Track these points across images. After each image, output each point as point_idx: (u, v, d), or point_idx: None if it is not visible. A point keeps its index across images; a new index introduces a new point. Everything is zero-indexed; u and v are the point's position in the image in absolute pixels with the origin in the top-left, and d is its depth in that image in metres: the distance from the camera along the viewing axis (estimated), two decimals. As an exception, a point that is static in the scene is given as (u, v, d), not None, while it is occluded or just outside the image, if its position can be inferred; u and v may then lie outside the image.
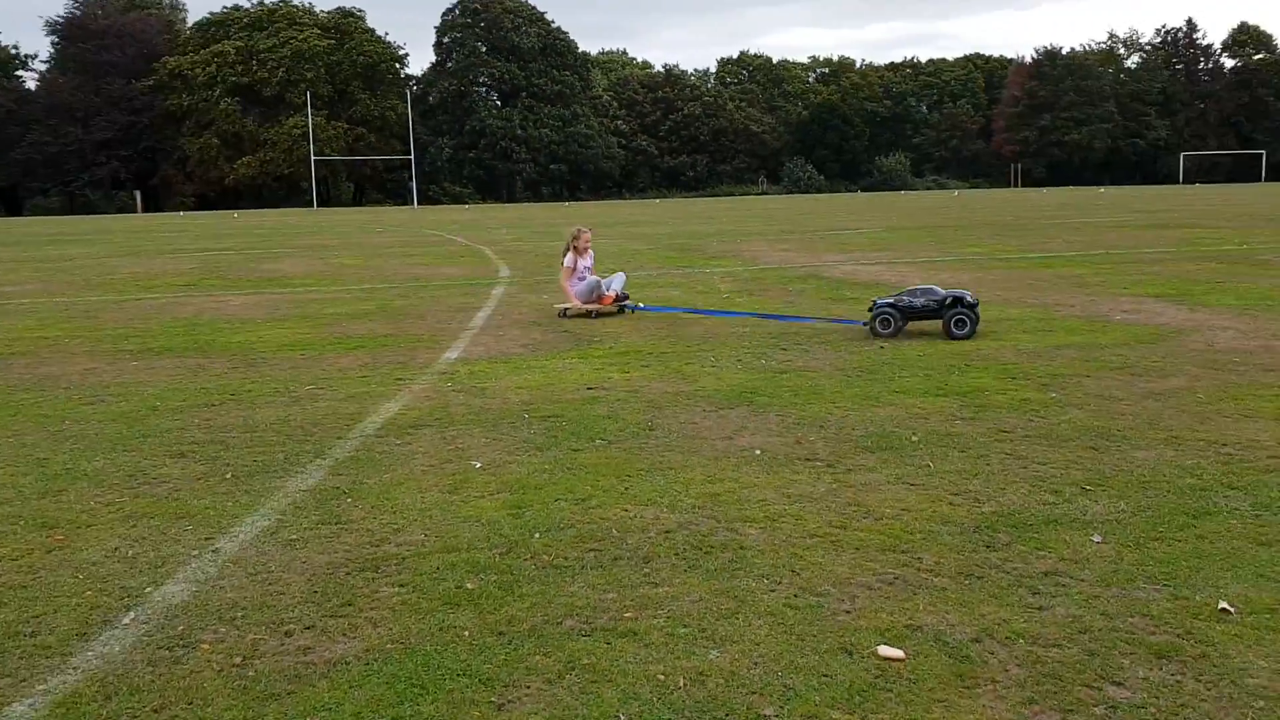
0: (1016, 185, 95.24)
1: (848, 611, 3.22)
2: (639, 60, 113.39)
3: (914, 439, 5.23)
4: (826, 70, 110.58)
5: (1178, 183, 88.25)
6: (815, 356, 7.75)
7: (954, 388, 6.44)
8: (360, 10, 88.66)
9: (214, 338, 9.55)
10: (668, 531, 3.98)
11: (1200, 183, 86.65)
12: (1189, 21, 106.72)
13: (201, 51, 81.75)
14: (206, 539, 4.04)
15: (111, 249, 26.17)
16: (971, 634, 3.03)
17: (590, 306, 10.35)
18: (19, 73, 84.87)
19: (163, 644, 3.14)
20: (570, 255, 10.65)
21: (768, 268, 15.83)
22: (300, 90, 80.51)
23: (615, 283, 10.55)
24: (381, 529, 4.11)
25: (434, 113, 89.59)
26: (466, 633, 3.15)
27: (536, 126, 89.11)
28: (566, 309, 10.46)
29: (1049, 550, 3.69)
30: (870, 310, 8.61)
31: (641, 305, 10.77)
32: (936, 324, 8.41)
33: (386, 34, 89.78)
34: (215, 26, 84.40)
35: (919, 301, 8.44)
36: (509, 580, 3.55)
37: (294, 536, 4.04)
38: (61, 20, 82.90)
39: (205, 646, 3.12)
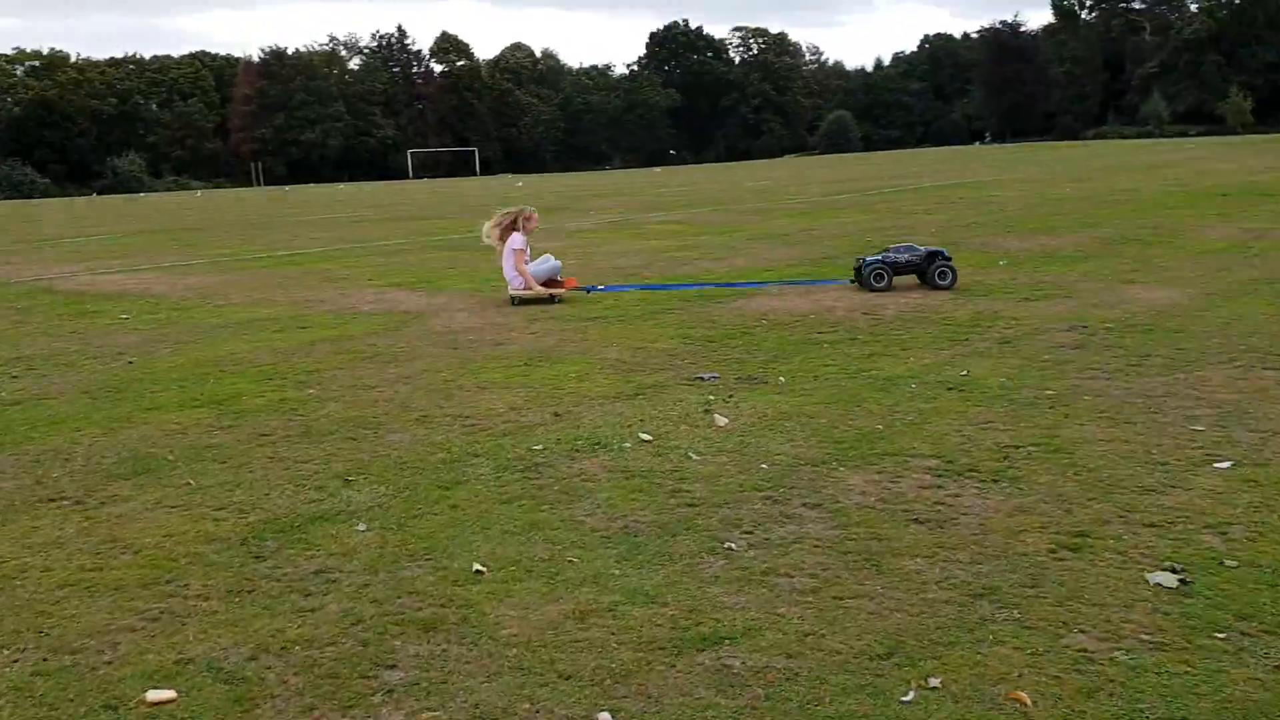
0: (259, 184, 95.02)
1: (109, 662, 2.92)
2: None
3: (171, 457, 4.93)
4: (38, 64, 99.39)
5: (408, 178, 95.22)
6: (54, 381, 6.94)
7: (210, 396, 6.21)
8: None
9: None
10: None
11: (427, 177, 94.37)
12: (399, 28, 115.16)
13: None
14: None
15: None
16: (247, 653, 2.94)
17: (554, 291, 9.55)
18: None
19: None
20: (519, 236, 9.50)
21: (-17, 286, 13.76)
22: None
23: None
24: None
25: None
26: None
27: None
28: (521, 296, 9.45)
29: (318, 548, 3.73)
30: (857, 268, 9.38)
31: (600, 287, 10.19)
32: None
33: None
34: None
35: (904, 257, 9.27)
36: None
37: None
38: None
39: None
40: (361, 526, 3.92)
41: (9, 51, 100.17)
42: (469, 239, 18.17)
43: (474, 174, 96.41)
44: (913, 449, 4.60)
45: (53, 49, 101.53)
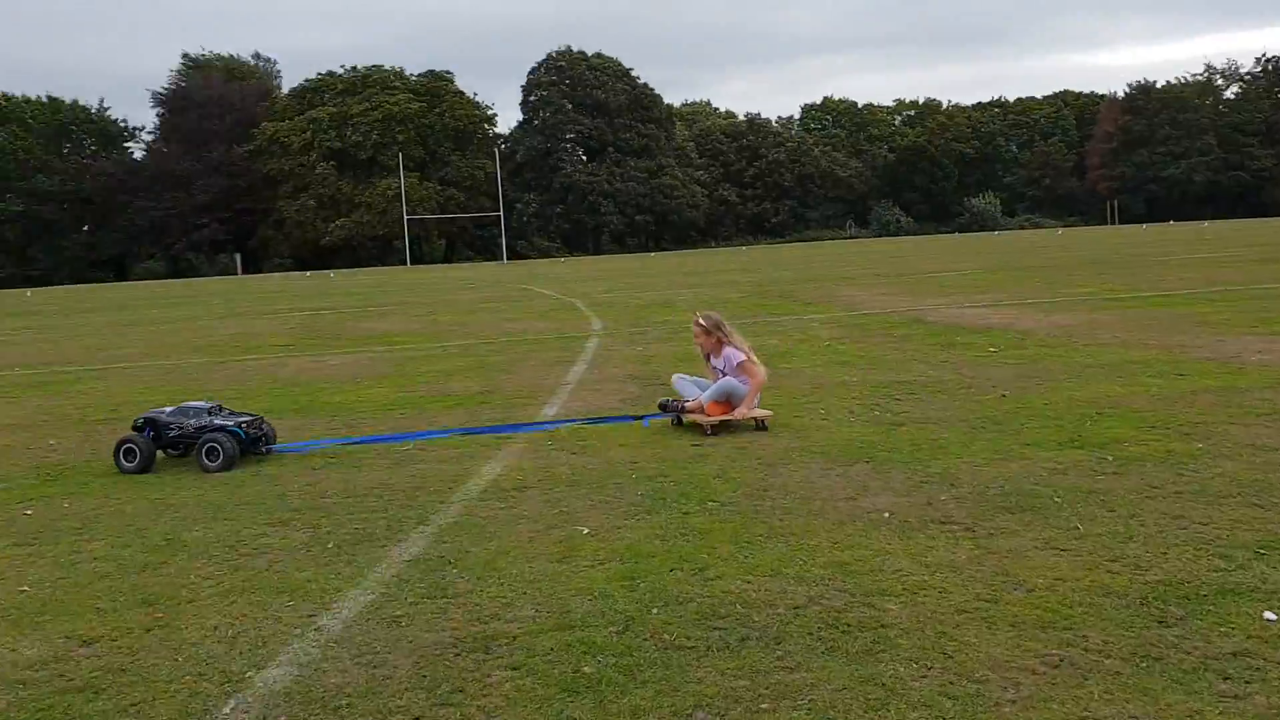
0: (1114, 222, 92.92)
1: (1013, 701, 2.86)
2: (722, 110, 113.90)
3: (1056, 499, 4.82)
4: (912, 112, 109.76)
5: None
6: (933, 406, 7.36)
7: (1089, 439, 6.00)
8: (449, 73, 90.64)
9: (313, 398, 9.52)
10: (797, 607, 3.65)
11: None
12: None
13: (297, 118, 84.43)
14: (309, 616, 3.84)
15: (213, 311, 26.81)
16: (1161, 731, 2.78)
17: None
18: (128, 144, 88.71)
19: (264, 737, 2.96)
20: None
21: (869, 314, 15.41)
22: (393, 152, 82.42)
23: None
24: (490, 603, 3.87)
25: (521, 170, 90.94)
26: (588, 725, 3.02)
27: (623, 180, 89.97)
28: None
29: (1231, 625, 3.28)
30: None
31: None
32: None
33: (475, 95, 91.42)
34: (310, 93, 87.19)
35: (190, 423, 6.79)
36: (629, 664, 3.26)
37: (399, 613, 3.82)
38: (166, 93, 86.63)
39: (309, 740, 2.93)
40: (1270, 615, 3.36)
41: (889, 103, 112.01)
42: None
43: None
44: None
45: (927, 98, 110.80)
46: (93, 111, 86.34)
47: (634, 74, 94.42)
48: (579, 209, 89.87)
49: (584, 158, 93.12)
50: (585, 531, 4.71)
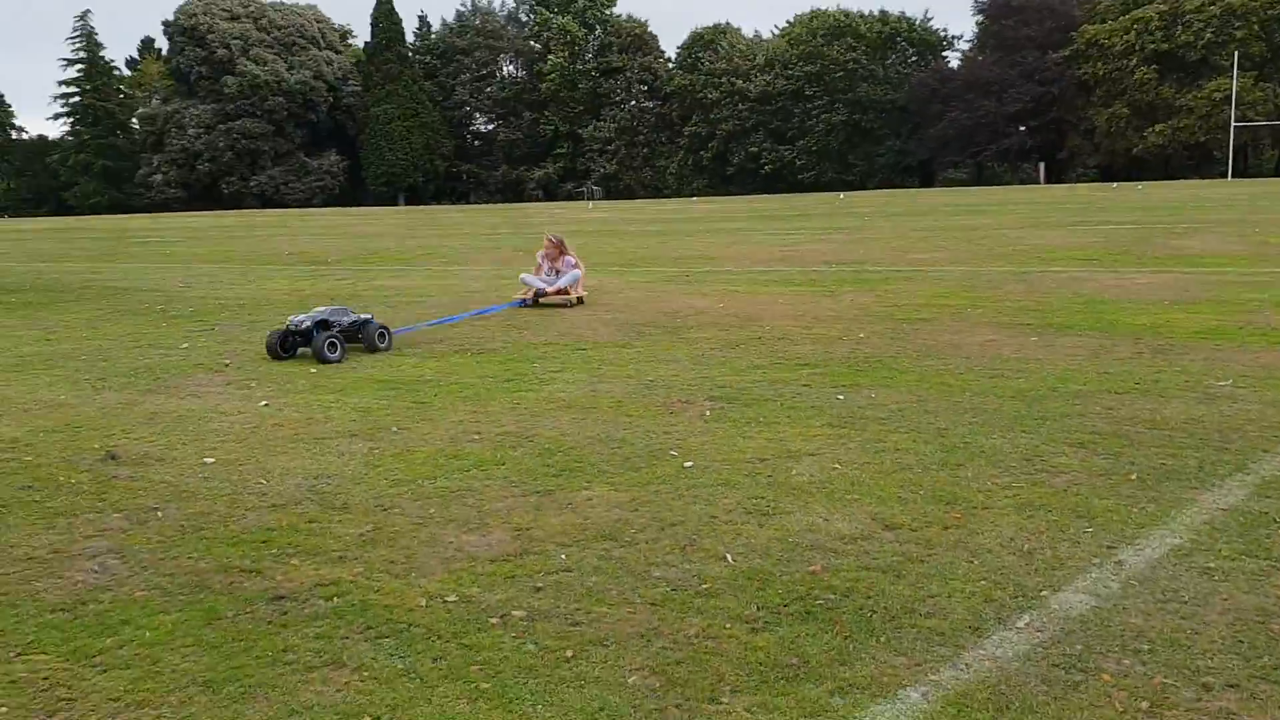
0: None
1: None
2: None
3: None
4: None
5: None
6: None
7: None
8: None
9: (1117, 318, 9.04)
10: None
11: None
12: None
13: (1121, 19, 79.78)
14: (1108, 547, 3.66)
15: (1015, 220, 26.90)
16: None
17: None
18: (945, 54, 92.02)
19: (1059, 662, 2.86)
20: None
21: None
22: (1227, 51, 73.99)
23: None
24: (1326, 578, 3.32)
25: (1392, 64, 75.52)
26: None
27: None
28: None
29: None
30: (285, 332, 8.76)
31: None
32: None
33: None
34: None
35: (345, 320, 8.90)
36: None
37: (1211, 565, 3.46)
38: (985, 1, 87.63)
39: (1106, 677, 2.77)
40: None
41: None
42: None
43: None
44: None
45: None
46: (916, 23, 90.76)
47: None
48: None
49: None
50: None
